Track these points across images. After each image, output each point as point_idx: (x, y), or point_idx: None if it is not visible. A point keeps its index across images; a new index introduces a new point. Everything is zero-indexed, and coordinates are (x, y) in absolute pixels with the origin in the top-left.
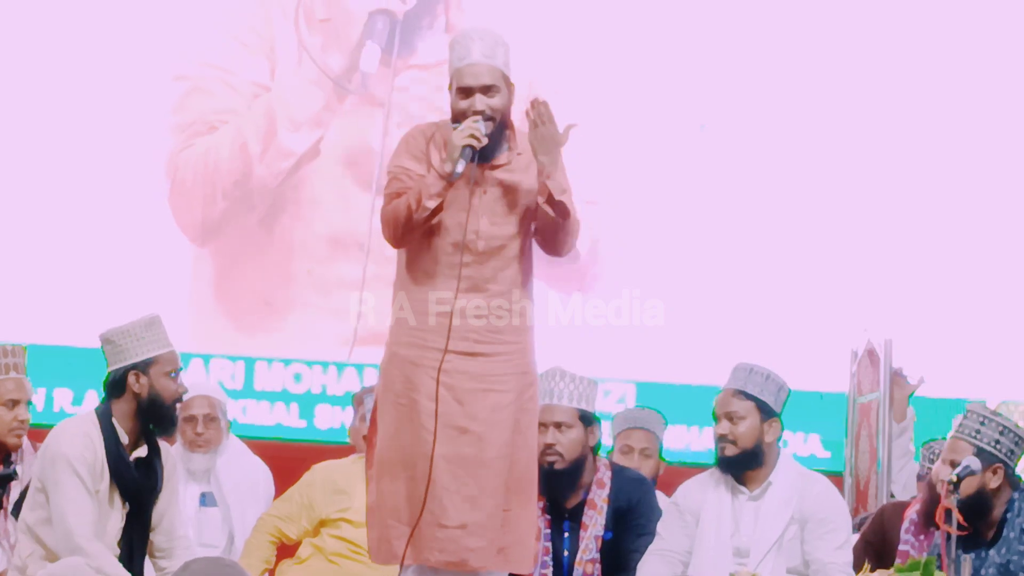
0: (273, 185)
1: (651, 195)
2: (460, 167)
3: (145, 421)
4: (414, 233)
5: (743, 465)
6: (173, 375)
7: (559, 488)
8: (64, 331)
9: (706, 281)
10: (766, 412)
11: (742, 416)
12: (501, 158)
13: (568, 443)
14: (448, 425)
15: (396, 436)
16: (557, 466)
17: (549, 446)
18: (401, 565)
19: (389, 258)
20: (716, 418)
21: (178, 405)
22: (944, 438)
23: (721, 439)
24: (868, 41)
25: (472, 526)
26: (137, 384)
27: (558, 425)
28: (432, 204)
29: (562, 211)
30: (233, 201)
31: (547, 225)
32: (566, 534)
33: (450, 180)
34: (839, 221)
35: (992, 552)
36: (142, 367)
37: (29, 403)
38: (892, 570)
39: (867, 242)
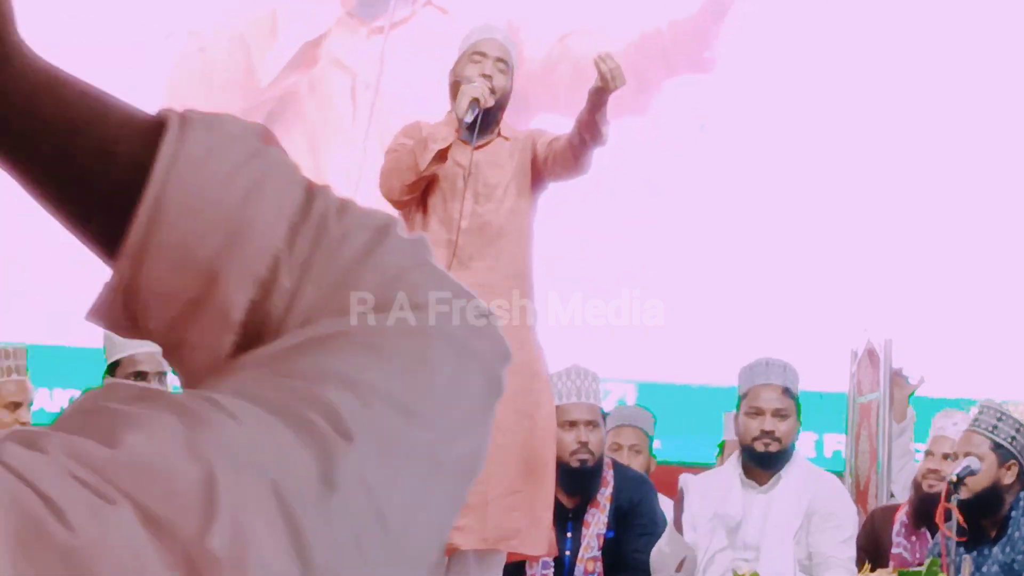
0: (266, 83)
1: (651, 195)
2: (468, 117)
3: None
4: (416, 184)
5: (778, 463)
6: (137, 379)
7: (588, 486)
8: (64, 331)
9: (706, 281)
10: (798, 412)
11: (787, 415)
12: (487, 142)
13: (597, 441)
14: None
15: None
16: (589, 463)
17: (583, 444)
18: None
19: None
20: (758, 412)
21: None
22: None
23: (765, 435)
24: (868, 41)
25: None
26: None
27: (588, 423)
28: (437, 147)
29: (599, 137)
30: (232, 101)
31: (579, 146)
32: (568, 534)
33: (459, 126)
34: (839, 221)
35: (995, 549)
36: (110, 370)
37: (30, 404)
38: (892, 572)
39: (867, 242)
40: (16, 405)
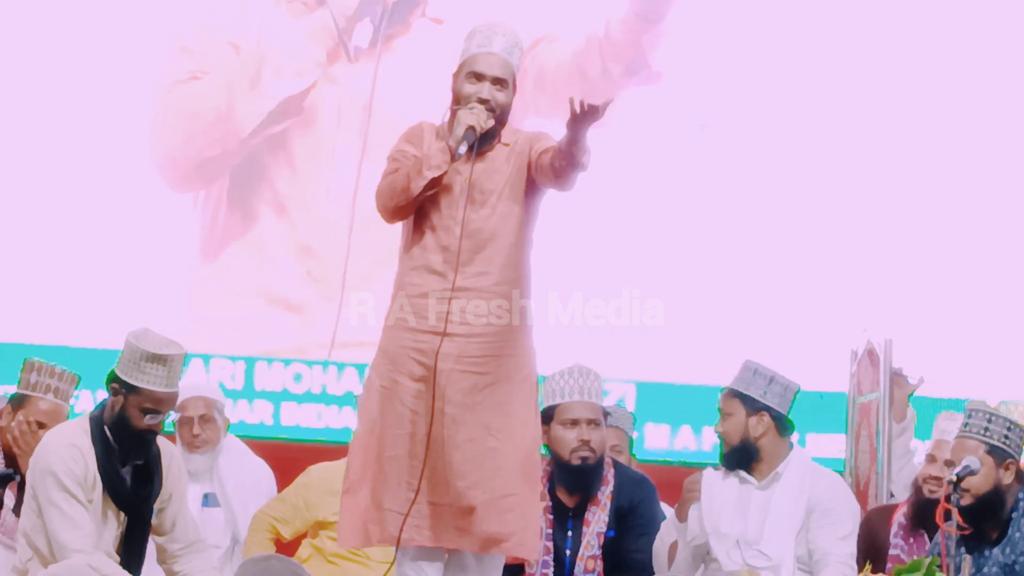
0: (251, 128)
1: (651, 195)
2: (463, 148)
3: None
4: (408, 207)
5: (735, 460)
6: (148, 414)
7: (589, 484)
8: (64, 331)
9: (706, 281)
10: (752, 407)
11: (729, 413)
12: (486, 149)
13: (600, 439)
14: (427, 405)
15: (372, 417)
16: (590, 462)
17: (585, 442)
18: (397, 544)
19: (380, 258)
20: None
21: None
22: None
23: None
24: (868, 41)
25: (447, 507)
26: (114, 396)
27: (590, 421)
28: (431, 174)
29: (577, 165)
30: (211, 145)
31: (559, 170)
32: (569, 533)
33: (453, 157)
34: (839, 221)
35: (996, 551)
36: (125, 387)
37: None
38: (892, 572)
39: (867, 242)
40: (41, 425)
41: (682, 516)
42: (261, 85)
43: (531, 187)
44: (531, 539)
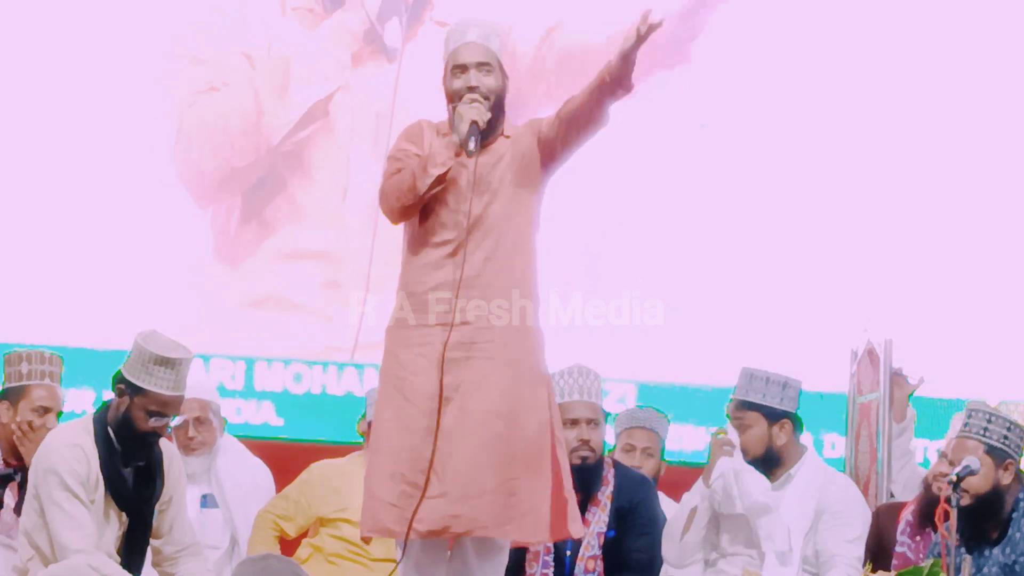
0: (279, 137)
1: (651, 195)
2: (472, 145)
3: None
4: (415, 206)
5: (759, 471)
6: (152, 416)
7: (589, 483)
8: (70, 333)
9: (706, 281)
10: (772, 416)
11: (749, 425)
12: (489, 142)
13: (598, 439)
14: (431, 396)
15: (382, 413)
16: (590, 461)
17: (585, 442)
18: (407, 538)
19: (390, 259)
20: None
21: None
22: None
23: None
24: (868, 41)
25: (452, 494)
26: (120, 396)
27: (589, 421)
28: (437, 171)
29: (625, 82)
30: (241, 155)
31: (600, 100)
32: None
33: (464, 153)
34: (839, 221)
35: (996, 551)
36: (131, 388)
37: (60, 413)
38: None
39: (867, 242)
40: (45, 410)
41: (707, 479)
42: (290, 92)
43: (544, 170)
44: (534, 523)
